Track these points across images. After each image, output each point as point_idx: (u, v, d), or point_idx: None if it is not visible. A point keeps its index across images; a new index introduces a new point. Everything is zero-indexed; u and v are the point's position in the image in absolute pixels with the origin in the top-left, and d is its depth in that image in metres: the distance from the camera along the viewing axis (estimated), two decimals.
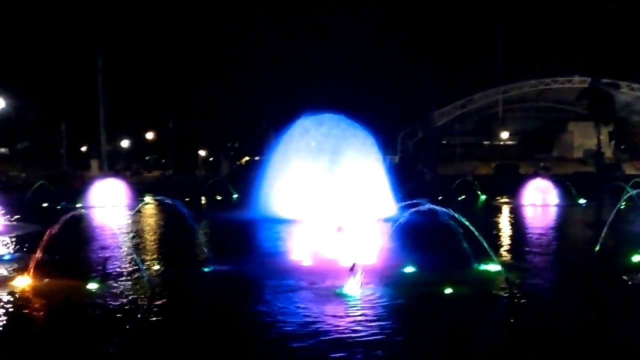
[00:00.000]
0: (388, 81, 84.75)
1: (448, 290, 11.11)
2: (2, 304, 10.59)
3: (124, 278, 12.67)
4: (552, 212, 28.82)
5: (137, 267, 13.23)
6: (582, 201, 32.18)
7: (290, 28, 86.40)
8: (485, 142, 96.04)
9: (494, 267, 12.62)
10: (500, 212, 29.30)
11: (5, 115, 66.61)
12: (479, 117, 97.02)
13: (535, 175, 48.09)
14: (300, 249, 14.40)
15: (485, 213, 29.38)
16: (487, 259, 12.72)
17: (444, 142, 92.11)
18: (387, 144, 65.43)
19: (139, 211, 25.98)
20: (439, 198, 29.61)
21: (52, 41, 76.57)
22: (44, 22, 77.36)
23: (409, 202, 14.45)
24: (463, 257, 12.80)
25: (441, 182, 49.44)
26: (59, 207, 29.21)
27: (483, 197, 36.76)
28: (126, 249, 16.28)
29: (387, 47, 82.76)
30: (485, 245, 12.15)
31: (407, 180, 42.47)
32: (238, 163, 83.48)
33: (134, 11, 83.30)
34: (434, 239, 15.95)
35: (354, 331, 8.88)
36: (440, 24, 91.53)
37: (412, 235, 16.36)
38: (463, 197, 35.58)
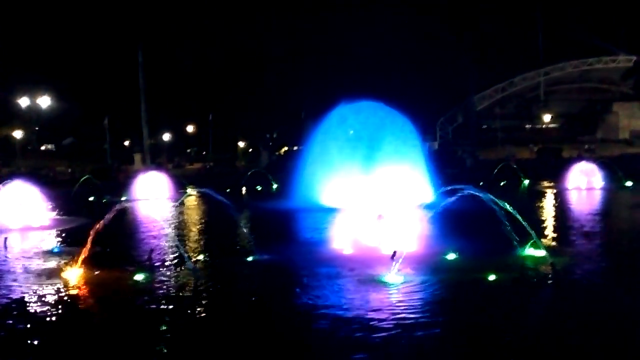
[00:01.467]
0: (426, 66, 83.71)
1: (491, 277, 11.00)
2: (53, 295, 10.96)
3: (169, 269, 12.95)
4: (598, 196, 28.16)
5: (181, 258, 13.50)
6: (628, 184, 31.32)
7: (327, 17, 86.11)
8: (527, 126, 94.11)
9: (538, 253, 12.43)
10: (544, 197, 28.77)
11: (51, 112, 68.52)
12: (519, 100, 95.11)
13: (579, 158, 46.95)
14: (341, 237, 14.44)
15: (529, 198, 28.89)
16: (531, 244, 12.54)
17: (484, 126, 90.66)
18: (426, 130, 64.72)
19: (181, 203, 26.42)
20: (480, 183, 29.23)
21: (92, 38, 78.22)
22: (85, 20, 79.01)
23: (450, 188, 14.33)
24: (506, 243, 12.65)
25: (482, 168, 48.77)
26: (104, 201, 29.94)
27: (526, 181, 36.13)
28: (170, 240, 16.59)
29: (424, 32, 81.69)
30: (529, 230, 11.98)
31: (447, 166, 42.07)
32: (277, 153, 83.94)
33: (173, 5, 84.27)
34: (475, 225, 15.79)
35: (397, 319, 8.88)
36: (477, 5, 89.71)
37: (453, 222, 16.23)
38: (505, 182, 35.04)
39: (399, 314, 9.13)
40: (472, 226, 16.07)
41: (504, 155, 61.43)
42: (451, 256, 12.80)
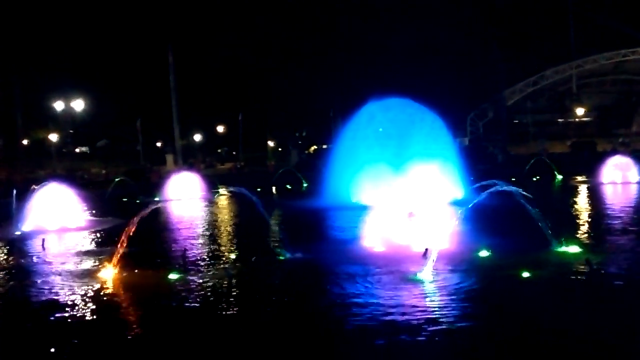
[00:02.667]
0: (455, 61, 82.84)
1: (525, 274, 10.87)
2: (89, 295, 11.20)
3: (202, 268, 13.10)
4: (633, 190, 27.55)
5: (214, 257, 13.67)
6: None
7: (354, 13, 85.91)
8: (560, 120, 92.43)
9: (573, 249, 12.25)
10: (578, 192, 28.28)
11: (85, 116, 69.84)
12: (551, 93, 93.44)
13: (614, 152, 46.03)
14: (372, 235, 14.43)
15: (562, 193, 28.45)
16: (566, 240, 12.37)
17: (516, 121, 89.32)
18: (456, 125, 64.05)
19: (213, 202, 26.69)
20: (512, 179, 28.86)
21: (123, 41, 79.44)
22: (116, 24, 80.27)
23: (481, 184, 14.20)
24: (540, 240, 12.49)
25: (514, 163, 48.16)
26: (138, 201, 30.41)
27: (559, 176, 35.56)
28: (203, 239, 16.80)
29: (453, 26, 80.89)
30: (564, 226, 11.81)
31: (478, 162, 41.64)
32: (306, 152, 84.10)
33: (201, 6, 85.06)
34: (508, 222, 15.62)
35: (430, 316, 8.85)
36: None
37: (485, 218, 16.09)
38: (538, 177, 34.54)
39: (432, 311, 9.10)
40: (505, 222, 15.90)
41: (536, 150, 60.53)
42: (484, 253, 12.69)
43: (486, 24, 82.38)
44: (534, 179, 33.54)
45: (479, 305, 9.67)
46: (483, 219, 15.73)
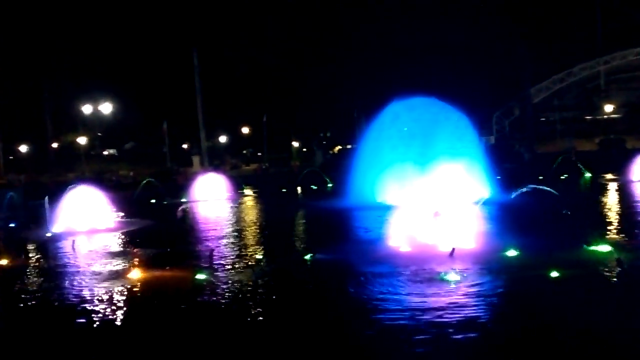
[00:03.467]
0: (480, 58, 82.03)
1: (554, 274, 10.75)
2: (118, 295, 11.37)
3: (229, 268, 13.21)
4: None
5: (240, 257, 13.77)
6: None
7: (377, 12, 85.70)
8: (588, 117, 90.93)
9: (603, 248, 12.07)
10: (607, 190, 27.81)
11: (113, 119, 70.90)
12: (579, 90, 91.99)
13: None
14: (398, 235, 14.39)
15: (591, 191, 28.01)
16: (595, 239, 12.20)
17: (543, 119, 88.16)
18: (481, 124, 63.42)
19: (239, 203, 26.88)
20: (540, 178, 28.53)
21: (149, 46, 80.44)
22: (141, 29, 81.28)
23: (508, 183, 14.08)
24: (569, 239, 12.34)
25: (541, 162, 47.55)
26: (165, 203, 30.76)
27: (587, 175, 35.02)
28: (230, 239, 16.93)
29: (478, 23, 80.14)
30: (593, 225, 11.65)
31: (504, 161, 41.24)
32: (331, 152, 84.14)
33: (225, 9, 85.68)
34: (536, 221, 15.45)
35: (458, 317, 8.80)
36: None
37: (512, 217, 15.95)
38: (565, 176, 34.07)
39: (460, 312, 9.03)
40: (533, 221, 15.72)
41: (564, 148, 59.66)
42: (511, 253, 12.57)
43: (512, 21, 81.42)
44: (562, 178, 33.08)
45: (508, 305, 9.58)
46: (510, 218, 15.58)
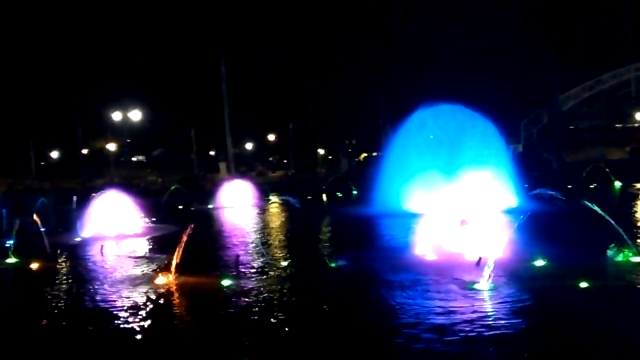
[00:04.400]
0: (508, 66, 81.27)
1: (583, 284, 10.57)
2: (145, 300, 11.50)
3: (255, 274, 13.28)
4: None
5: (266, 264, 13.82)
6: None
7: (402, 19, 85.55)
8: (618, 125, 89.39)
9: (634, 258, 11.85)
10: (638, 199, 27.29)
11: (142, 125, 71.96)
12: (609, 98, 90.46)
13: None
14: (424, 243, 14.31)
15: (621, 201, 27.49)
16: (625, 249, 11.97)
17: (571, 127, 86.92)
18: (509, 132, 62.78)
19: (265, 210, 27.00)
20: (568, 187, 28.14)
21: (177, 53, 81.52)
22: (170, 36, 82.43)
23: (536, 192, 13.92)
24: (598, 249, 12.13)
25: (569, 170, 46.88)
26: (192, 209, 31.03)
27: (617, 183, 34.40)
28: (255, 246, 17.00)
29: (506, 30, 79.42)
30: (623, 235, 11.44)
31: (532, 169, 40.73)
32: (356, 159, 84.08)
33: (252, 17, 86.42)
34: (565, 230, 15.23)
35: (486, 328, 8.68)
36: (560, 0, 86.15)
37: (541, 227, 15.73)
38: (595, 184, 33.51)
39: (487, 322, 8.91)
40: (561, 231, 15.51)
41: (593, 156, 58.73)
42: (540, 262, 12.40)
43: (540, 27, 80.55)
44: (591, 187, 32.56)
45: (536, 316, 9.42)
46: (538, 227, 15.38)
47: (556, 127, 78.85)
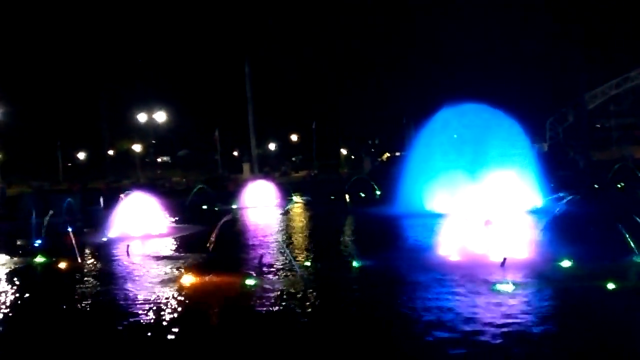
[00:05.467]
0: (533, 63, 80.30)
1: (611, 286, 10.41)
2: (170, 299, 11.62)
3: (278, 274, 13.33)
4: None
5: (289, 263, 13.87)
6: None
7: (426, 19, 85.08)
8: None
9: None
10: None
11: (167, 127, 72.76)
12: (636, 96, 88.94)
13: None
14: (448, 243, 14.22)
15: None
16: None
17: (598, 125, 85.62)
18: (534, 131, 61.95)
19: (288, 210, 27.06)
20: (595, 186, 27.72)
21: (202, 55, 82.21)
22: (195, 39, 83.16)
23: (561, 191, 13.74)
24: (625, 249, 11.93)
25: (596, 169, 46.13)
26: (216, 209, 31.25)
27: None
28: (279, 246, 17.07)
29: (529, 27, 78.47)
30: None
31: (558, 168, 40.22)
32: (379, 159, 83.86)
33: (276, 18, 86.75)
34: (591, 230, 15.01)
35: (511, 329, 8.60)
36: None
37: (566, 227, 15.53)
38: (622, 184, 32.95)
39: (513, 324, 8.81)
40: (587, 231, 15.28)
41: (621, 155, 57.71)
42: (566, 263, 12.24)
43: (566, 25, 79.41)
44: (618, 186, 32.01)
45: (562, 318, 9.31)
46: (564, 227, 15.18)
47: (582, 126, 77.66)
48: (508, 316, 9.20)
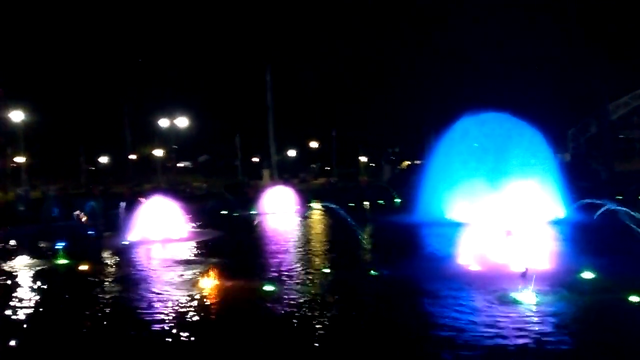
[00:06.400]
0: (555, 73, 79.54)
1: (634, 298, 10.26)
2: (189, 304, 11.68)
3: (296, 281, 13.34)
4: None
5: (307, 270, 13.87)
6: None
7: (446, 28, 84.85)
8: None
9: None
10: None
11: (188, 132, 73.39)
12: None
13: None
14: (468, 253, 14.12)
15: None
16: None
17: (621, 136, 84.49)
18: (556, 141, 61.30)
19: (307, 217, 27.08)
20: (618, 197, 27.33)
21: (223, 62, 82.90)
22: (217, 46, 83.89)
23: (584, 202, 13.59)
24: None
25: (619, 180, 45.51)
26: (236, 215, 31.38)
27: None
28: (297, 253, 17.08)
29: (552, 36, 77.83)
30: None
31: (580, 179, 39.72)
32: (399, 167, 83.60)
33: (298, 26, 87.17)
34: (613, 242, 14.81)
35: (532, 342, 8.50)
36: (610, 5, 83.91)
37: (588, 238, 15.35)
38: None
39: (534, 336, 8.71)
40: (610, 243, 15.08)
41: None
42: (588, 274, 12.09)
43: (589, 34, 78.64)
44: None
45: (585, 330, 9.20)
46: (586, 238, 15.01)
47: (605, 137, 76.70)
48: (527, 328, 9.11)
